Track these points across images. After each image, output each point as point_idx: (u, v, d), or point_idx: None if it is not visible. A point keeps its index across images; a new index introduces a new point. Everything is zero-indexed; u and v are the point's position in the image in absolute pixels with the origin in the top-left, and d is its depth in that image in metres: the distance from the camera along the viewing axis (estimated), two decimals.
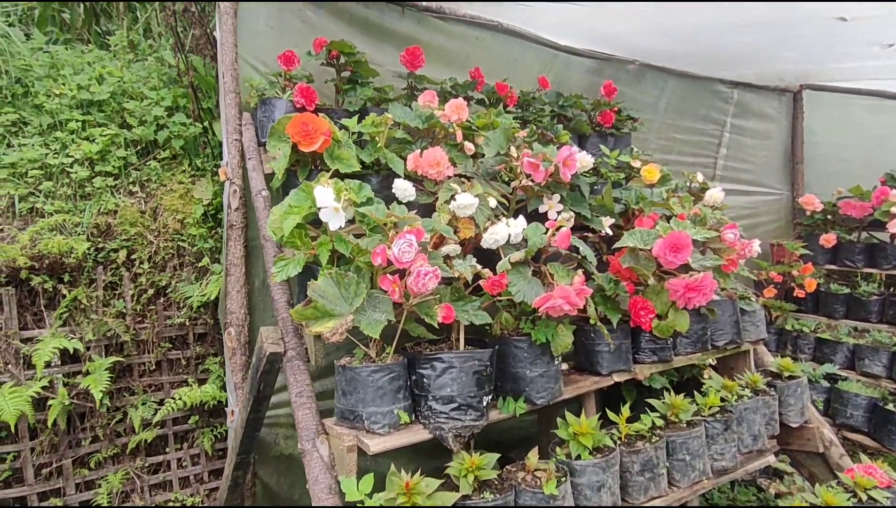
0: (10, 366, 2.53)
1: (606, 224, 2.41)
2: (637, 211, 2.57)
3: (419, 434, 1.75)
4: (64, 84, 2.95)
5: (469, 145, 2.30)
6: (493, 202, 2.01)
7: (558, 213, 2.30)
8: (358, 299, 1.66)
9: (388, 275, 1.61)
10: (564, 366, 2.41)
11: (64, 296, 2.60)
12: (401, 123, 2.35)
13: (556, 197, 2.28)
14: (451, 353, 1.76)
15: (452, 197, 1.95)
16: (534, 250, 1.88)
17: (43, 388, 2.52)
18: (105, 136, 2.88)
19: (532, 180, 2.13)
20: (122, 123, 3.02)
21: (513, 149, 2.22)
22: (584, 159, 2.35)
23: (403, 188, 2.07)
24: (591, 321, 1.99)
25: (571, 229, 2.30)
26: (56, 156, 2.77)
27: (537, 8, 2.94)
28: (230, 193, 2.60)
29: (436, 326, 1.68)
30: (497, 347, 1.91)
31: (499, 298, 1.84)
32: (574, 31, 3.32)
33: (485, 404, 1.80)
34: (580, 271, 1.90)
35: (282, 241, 1.85)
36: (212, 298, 2.79)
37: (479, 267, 1.81)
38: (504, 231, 1.93)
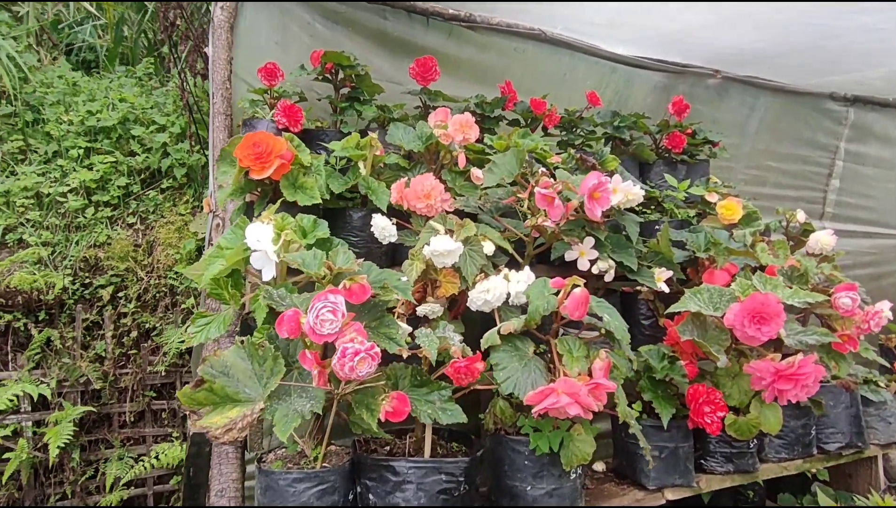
0: None
1: (661, 278, 1.79)
2: (707, 261, 1.92)
3: None
4: (74, 110, 2.82)
5: (476, 173, 1.80)
6: (488, 248, 1.48)
7: (591, 262, 1.73)
8: (274, 378, 1.20)
9: (307, 352, 1.13)
10: (600, 466, 1.80)
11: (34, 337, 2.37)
12: (400, 147, 1.92)
13: (589, 241, 1.71)
14: (408, 462, 1.24)
15: None
16: (537, 318, 1.32)
17: (5, 437, 2.27)
18: (105, 163, 2.68)
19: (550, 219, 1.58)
20: (130, 151, 2.83)
21: (528, 177, 1.69)
22: (630, 191, 1.76)
23: (382, 226, 1.62)
24: (620, 420, 1.37)
25: (614, 280, 1.72)
26: (52, 184, 2.61)
27: (584, 6, 2.39)
28: (213, 227, 2.25)
29: (373, 426, 1.16)
30: (481, 452, 1.35)
31: (488, 386, 1.29)
32: (631, 32, 2.69)
33: None
34: (604, 352, 1.31)
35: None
36: (193, 344, 2.45)
37: (451, 339, 1.28)
38: (501, 288, 1.40)
